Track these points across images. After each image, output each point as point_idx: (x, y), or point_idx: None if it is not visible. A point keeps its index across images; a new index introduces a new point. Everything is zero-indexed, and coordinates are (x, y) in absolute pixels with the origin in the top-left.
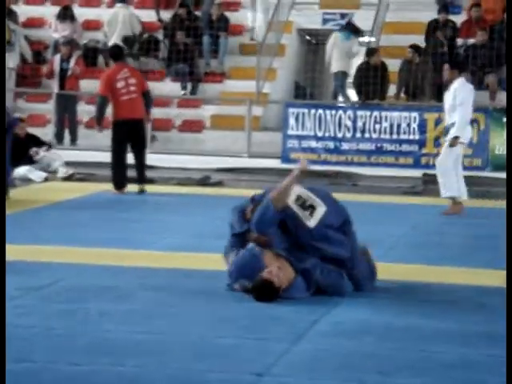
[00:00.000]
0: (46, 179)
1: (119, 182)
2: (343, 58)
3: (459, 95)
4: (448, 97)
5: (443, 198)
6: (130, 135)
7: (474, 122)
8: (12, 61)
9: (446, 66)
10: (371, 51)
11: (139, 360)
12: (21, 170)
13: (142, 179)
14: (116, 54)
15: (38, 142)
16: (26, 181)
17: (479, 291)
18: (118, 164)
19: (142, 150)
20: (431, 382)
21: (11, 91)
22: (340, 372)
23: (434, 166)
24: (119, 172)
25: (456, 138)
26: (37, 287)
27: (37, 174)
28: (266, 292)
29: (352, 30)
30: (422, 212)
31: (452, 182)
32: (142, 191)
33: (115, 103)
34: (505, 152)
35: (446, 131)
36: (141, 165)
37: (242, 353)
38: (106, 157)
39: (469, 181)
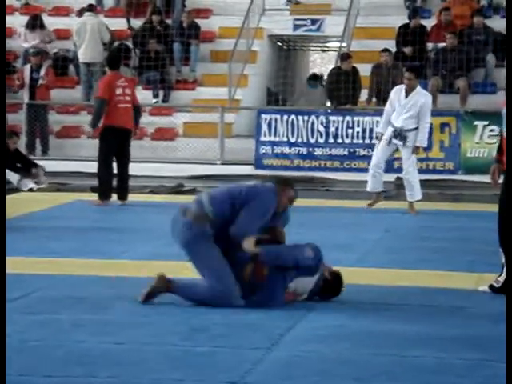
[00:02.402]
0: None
1: (106, 192)
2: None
3: (426, 106)
4: (411, 105)
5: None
6: (118, 144)
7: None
8: None
9: (411, 75)
10: (343, 56)
11: (113, 371)
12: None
13: (126, 191)
14: (113, 62)
15: (25, 162)
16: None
17: (454, 294)
18: (107, 173)
19: (128, 162)
20: None
21: None
22: (315, 378)
23: None
24: (107, 182)
25: (420, 147)
26: (9, 299)
27: (13, 176)
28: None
29: (315, 79)
30: (396, 216)
31: (418, 186)
32: (123, 203)
33: (111, 109)
34: (476, 155)
35: (402, 136)
36: (126, 176)
37: (217, 361)
38: (78, 166)
39: (441, 184)
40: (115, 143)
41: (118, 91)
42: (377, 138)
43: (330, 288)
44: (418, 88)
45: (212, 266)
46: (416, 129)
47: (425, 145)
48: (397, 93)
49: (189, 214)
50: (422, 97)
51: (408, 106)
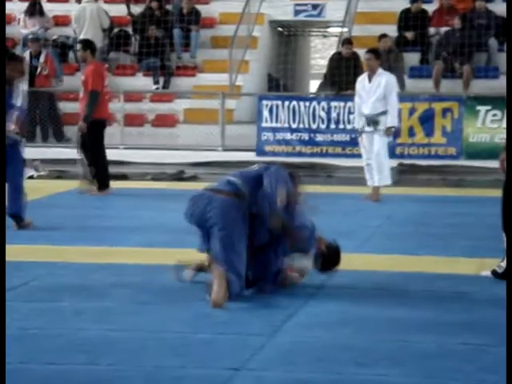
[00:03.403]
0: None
1: (106, 182)
2: None
3: (389, 84)
4: (375, 88)
5: (371, 186)
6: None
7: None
8: None
9: (370, 56)
10: (344, 41)
11: (114, 358)
12: None
13: (108, 178)
14: (95, 48)
15: None
16: None
17: (456, 280)
18: (105, 164)
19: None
20: (408, 372)
21: None
22: (317, 364)
23: (409, 156)
24: (106, 172)
25: (392, 127)
26: (10, 287)
27: None
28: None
29: None
30: (398, 202)
31: (388, 171)
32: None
33: (101, 101)
34: (478, 140)
35: (373, 121)
36: (106, 163)
37: (219, 348)
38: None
39: (443, 170)
40: (103, 134)
41: (106, 82)
42: (358, 133)
43: (328, 261)
44: (380, 70)
45: (235, 251)
46: (386, 112)
47: (396, 124)
48: (361, 82)
49: (225, 193)
50: (384, 77)
51: (373, 89)
